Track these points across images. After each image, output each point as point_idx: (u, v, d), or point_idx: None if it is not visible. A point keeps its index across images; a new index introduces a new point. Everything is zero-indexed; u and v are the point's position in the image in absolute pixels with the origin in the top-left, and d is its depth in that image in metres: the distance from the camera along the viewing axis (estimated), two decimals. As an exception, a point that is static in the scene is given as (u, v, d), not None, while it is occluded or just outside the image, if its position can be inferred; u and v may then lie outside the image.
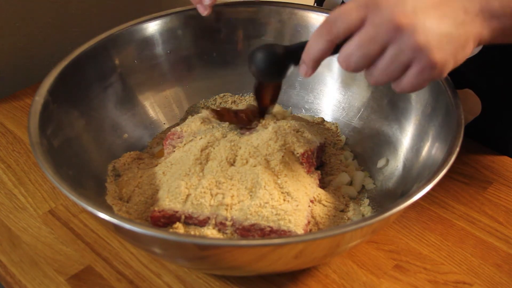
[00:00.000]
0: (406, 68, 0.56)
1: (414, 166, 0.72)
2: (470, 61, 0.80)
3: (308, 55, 0.61)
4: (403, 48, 0.55)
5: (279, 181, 0.67)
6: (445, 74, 0.57)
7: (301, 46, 0.63)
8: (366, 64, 0.57)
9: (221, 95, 0.90)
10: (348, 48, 0.57)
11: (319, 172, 0.76)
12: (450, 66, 0.57)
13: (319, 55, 0.60)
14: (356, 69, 0.58)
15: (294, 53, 0.65)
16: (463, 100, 0.69)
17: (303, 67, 0.62)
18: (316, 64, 0.61)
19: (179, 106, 0.89)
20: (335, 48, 0.59)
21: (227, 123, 0.76)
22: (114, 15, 1.10)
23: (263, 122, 0.76)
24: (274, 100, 0.76)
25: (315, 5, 1.00)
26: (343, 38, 0.58)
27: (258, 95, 0.75)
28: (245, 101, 0.90)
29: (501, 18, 0.58)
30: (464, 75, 0.81)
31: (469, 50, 0.58)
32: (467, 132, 0.69)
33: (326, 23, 0.58)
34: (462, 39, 0.56)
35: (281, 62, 0.66)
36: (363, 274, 0.68)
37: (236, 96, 0.90)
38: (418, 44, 0.54)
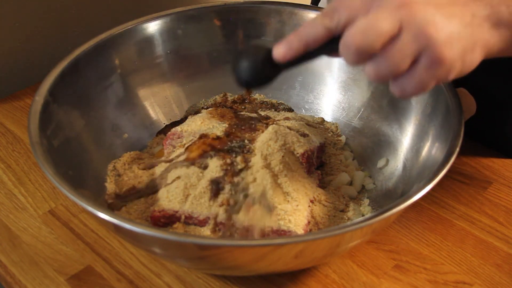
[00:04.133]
0: (413, 60, 0.53)
1: (414, 166, 0.72)
2: None
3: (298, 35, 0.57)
4: (413, 36, 0.51)
5: (279, 181, 0.67)
6: (451, 76, 0.54)
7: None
8: (367, 56, 0.53)
9: (221, 95, 0.90)
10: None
11: (319, 172, 0.76)
12: (457, 68, 0.54)
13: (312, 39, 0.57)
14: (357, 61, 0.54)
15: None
16: None
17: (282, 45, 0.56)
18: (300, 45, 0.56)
19: (179, 106, 0.89)
20: (329, 46, 0.57)
21: (227, 123, 0.76)
22: (114, 15, 1.10)
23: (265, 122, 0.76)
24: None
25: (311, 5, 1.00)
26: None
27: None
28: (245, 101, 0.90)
29: (510, 27, 0.55)
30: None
31: (477, 56, 0.55)
32: (467, 132, 0.68)
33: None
34: (470, 40, 0.54)
35: (266, 71, 0.57)
36: (363, 274, 0.68)
37: (236, 96, 0.90)
38: (430, 35, 0.51)
